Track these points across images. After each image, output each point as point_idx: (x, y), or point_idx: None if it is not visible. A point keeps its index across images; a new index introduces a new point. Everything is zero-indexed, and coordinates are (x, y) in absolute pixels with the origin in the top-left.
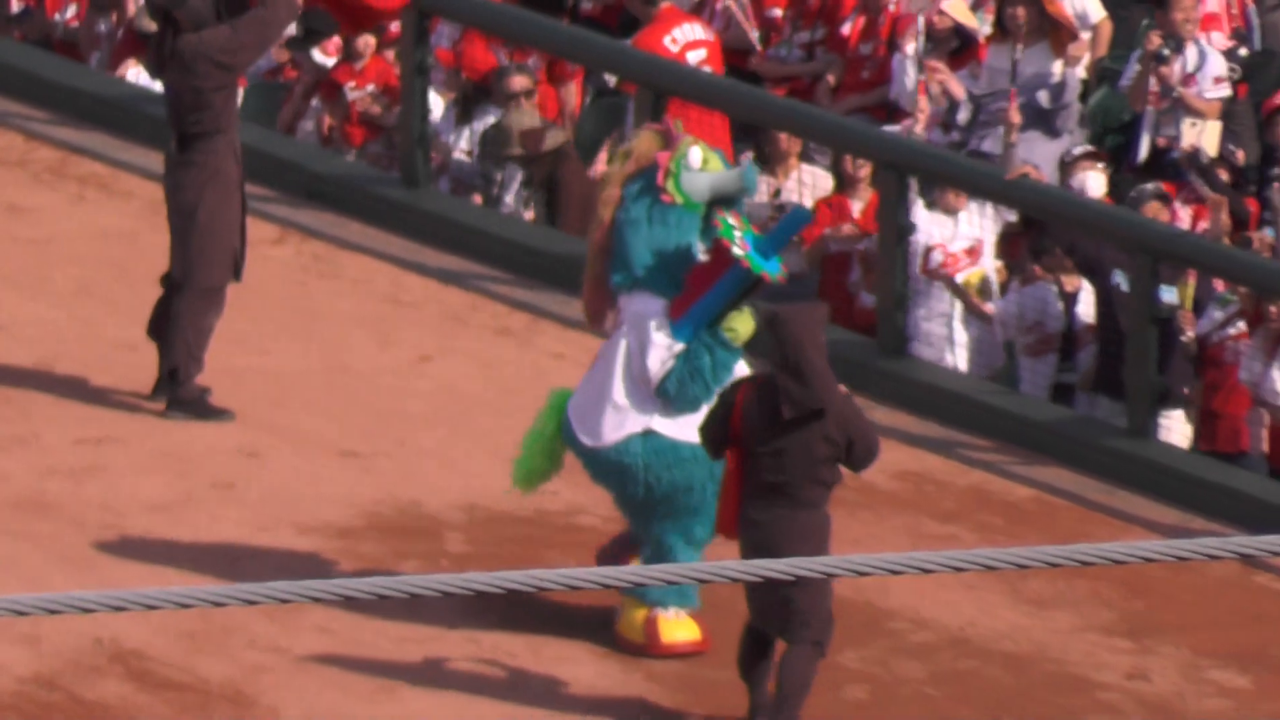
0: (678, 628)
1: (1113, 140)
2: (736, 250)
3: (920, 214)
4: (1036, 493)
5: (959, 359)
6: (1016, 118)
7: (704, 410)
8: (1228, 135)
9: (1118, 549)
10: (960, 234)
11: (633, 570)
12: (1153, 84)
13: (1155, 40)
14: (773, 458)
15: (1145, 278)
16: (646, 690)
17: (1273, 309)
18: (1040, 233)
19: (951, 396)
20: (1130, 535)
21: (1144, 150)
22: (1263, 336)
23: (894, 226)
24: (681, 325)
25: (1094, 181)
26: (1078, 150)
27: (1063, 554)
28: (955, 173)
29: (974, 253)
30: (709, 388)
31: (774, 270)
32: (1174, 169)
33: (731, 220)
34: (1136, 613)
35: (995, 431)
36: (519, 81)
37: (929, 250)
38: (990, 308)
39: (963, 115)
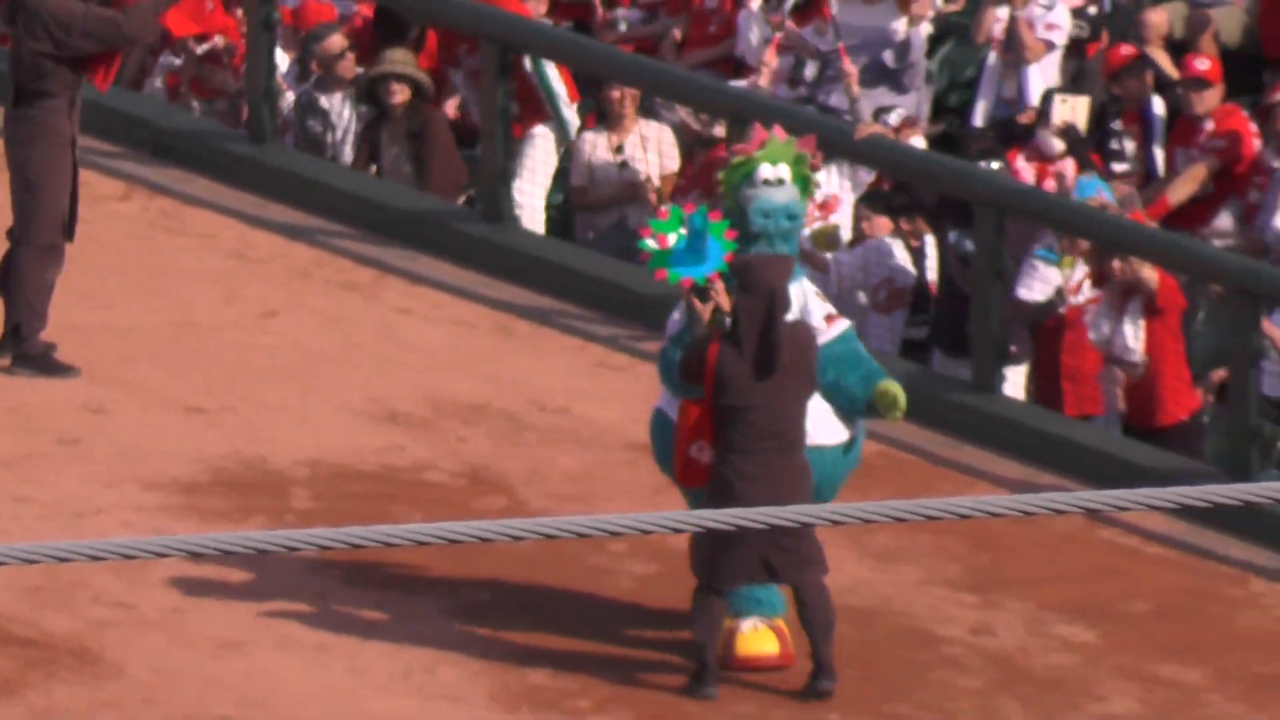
0: (755, 640)
1: (959, 96)
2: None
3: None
4: (882, 448)
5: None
6: (851, 69)
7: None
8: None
9: (963, 503)
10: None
11: (480, 525)
12: (998, 31)
13: None
14: (765, 409)
15: (991, 234)
16: (494, 644)
17: (1116, 264)
18: (896, 189)
19: None
20: (976, 490)
21: (981, 110)
22: (1110, 293)
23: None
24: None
25: (917, 144)
26: (894, 118)
27: (908, 509)
28: (803, 127)
29: (826, 207)
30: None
31: (696, 275)
32: (1019, 129)
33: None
34: (982, 567)
35: None
36: (335, 42)
37: None
38: (829, 259)
39: (810, 71)
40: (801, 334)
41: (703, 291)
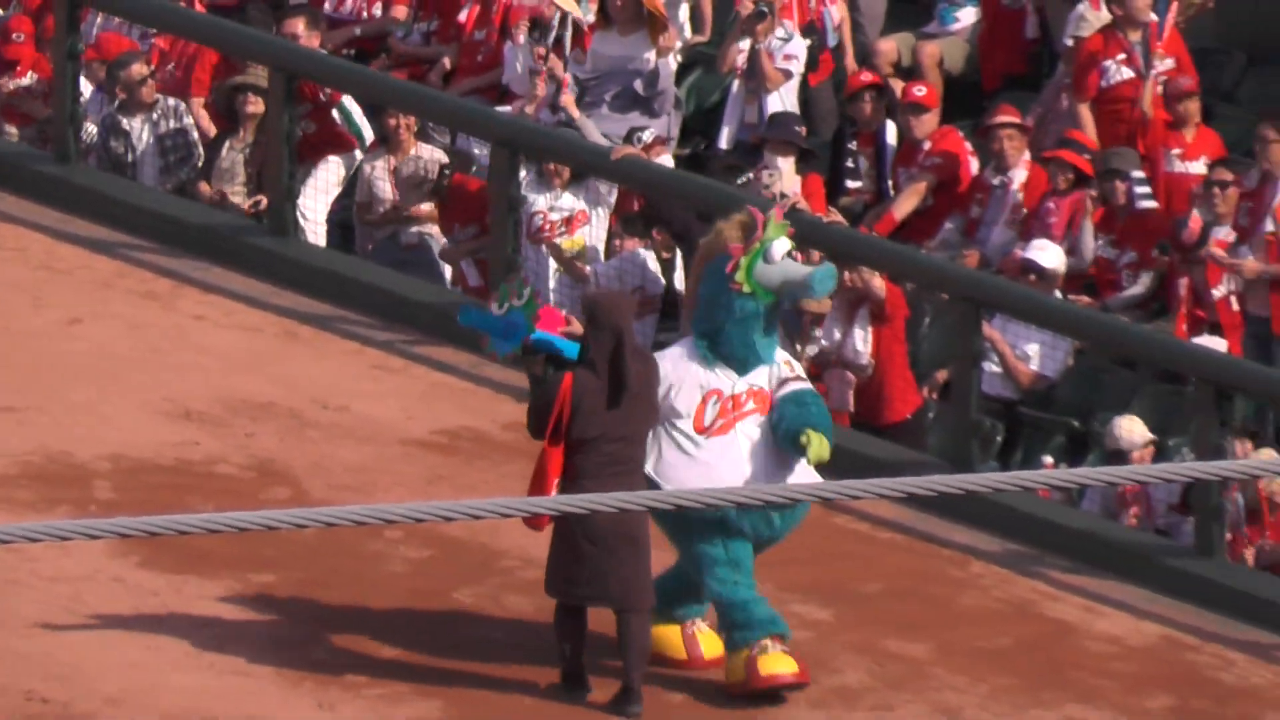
0: (775, 661)
1: (705, 121)
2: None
3: (528, 187)
4: None
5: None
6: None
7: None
8: (810, 115)
9: (709, 494)
10: (562, 205)
11: (267, 514)
12: (741, 60)
13: (749, 4)
14: (614, 437)
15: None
16: (280, 624)
17: (846, 275)
18: (647, 205)
19: None
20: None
21: (726, 134)
22: (841, 302)
23: (505, 199)
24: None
25: (666, 162)
26: (647, 135)
27: (656, 498)
28: (562, 149)
29: (573, 222)
30: None
31: (501, 351)
32: (753, 149)
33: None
34: None
35: None
36: (137, 70)
37: (531, 217)
38: (588, 270)
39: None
40: (648, 367)
41: (526, 359)
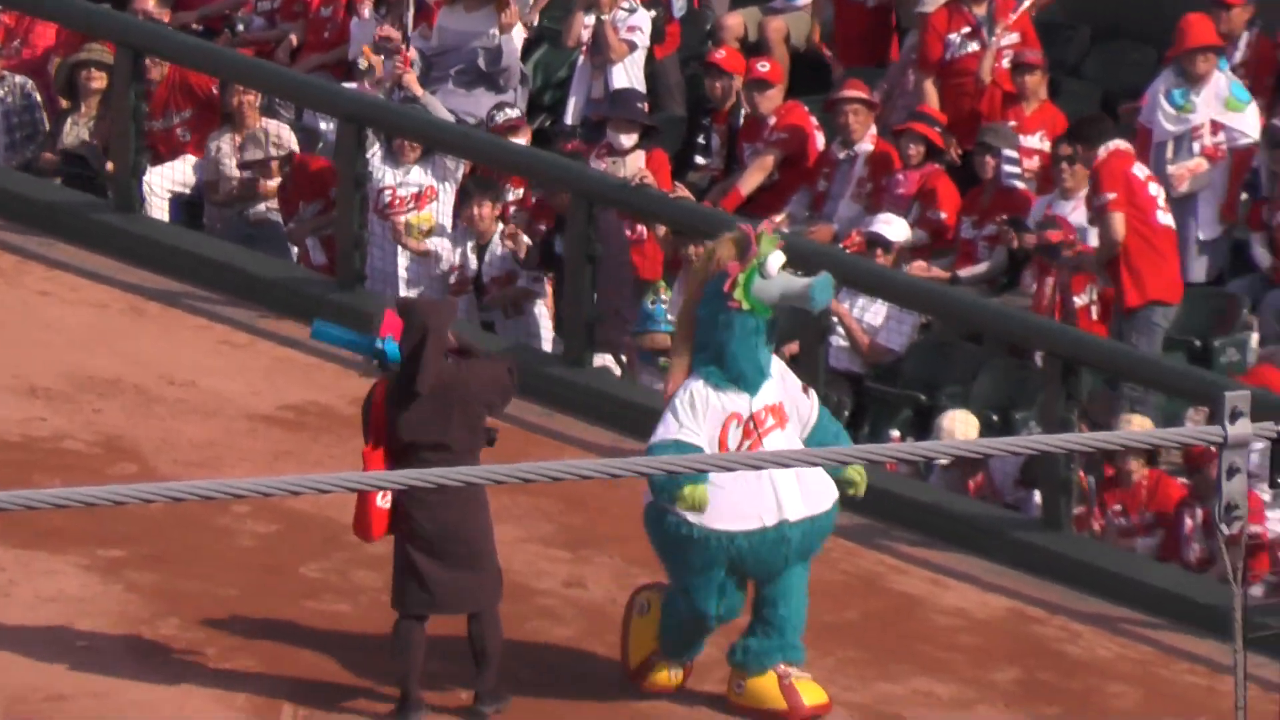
0: (812, 692)
1: (551, 95)
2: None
3: (376, 162)
4: None
5: (413, 285)
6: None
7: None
8: (656, 88)
9: (556, 467)
10: (411, 181)
11: (114, 490)
12: (585, 34)
13: None
14: (436, 445)
15: (582, 219)
16: (128, 599)
17: (692, 248)
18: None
19: None
20: (567, 455)
21: (573, 108)
22: (684, 276)
23: (352, 174)
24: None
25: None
26: (500, 118)
27: (506, 472)
28: (408, 125)
29: (421, 198)
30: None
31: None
32: (599, 125)
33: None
34: (574, 526)
35: None
36: None
37: (379, 193)
38: (428, 246)
39: (416, 72)
40: (469, 373)
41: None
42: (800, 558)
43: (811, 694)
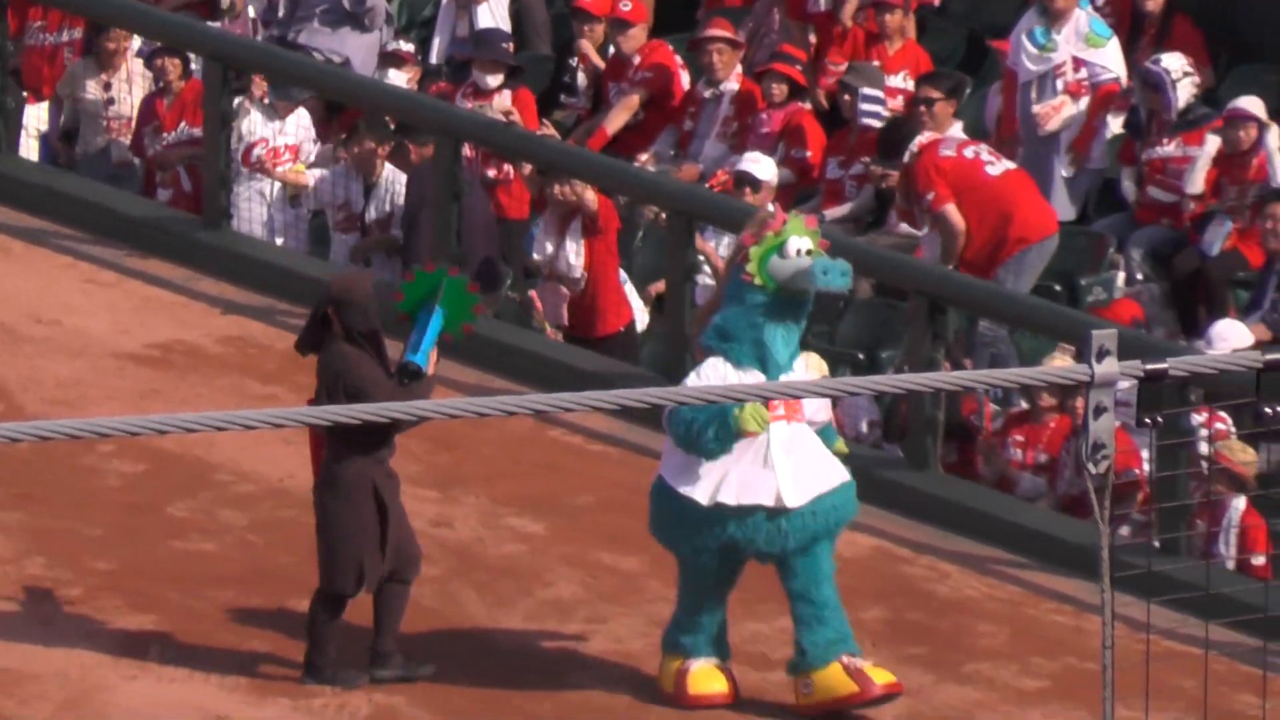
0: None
1: (417, 34)
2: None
3: (252, 115)
4: None
5: (277, 235)
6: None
7: (696, 442)
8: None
9: (424, 406)
10: (286, 131)
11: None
12: None
13: None
14: None
15: (448, 156)
16: (44, 573)
17: (557, 187)
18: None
19: (269, 267)
20: (434, 394)
21: (438, 47)
22: (552, 215)
23: (218, 114)
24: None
25: (395, 78)
26: (391, 46)
27: (366, 411)
28: (271, 63)
29: (296, 150)
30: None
31: (419, 361)
32: (464, 65)
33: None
34: (442, 465)
35: (303, 297)
36: None
37: (252, 147)
38: (307, 179)
39: (281, 10)
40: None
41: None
42: (811, 540)
43: (881, 675)
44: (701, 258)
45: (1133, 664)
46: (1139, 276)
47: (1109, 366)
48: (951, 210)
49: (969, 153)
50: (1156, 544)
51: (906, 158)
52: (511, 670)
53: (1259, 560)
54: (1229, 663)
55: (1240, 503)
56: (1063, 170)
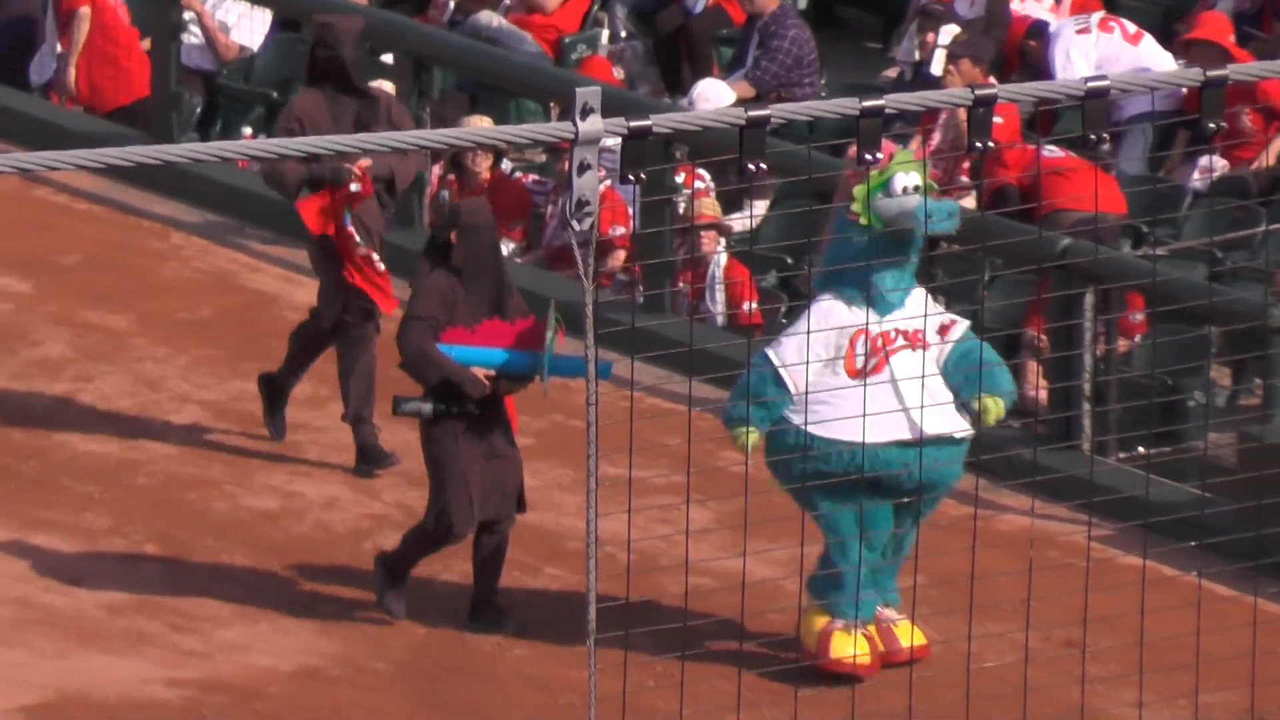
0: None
1: None
2: (548, 344)
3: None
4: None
5: None
6: None
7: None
8: None
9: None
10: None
11: None
12: None
13: None
14: None
15: None
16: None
17: None
18: None
19: None
20: None
21: None
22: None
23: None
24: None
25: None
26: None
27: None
28: None
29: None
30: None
31: (545, 378)
32: None
33: (556, 319)
34: None
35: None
36: None
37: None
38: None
39: None
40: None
41: None
42: (926, 488)
43: (910, 637)
44: (188, 16)
45: (617, 421)
46: (623, 34)
47: (593, 124)
48: None
49: None
50: (640, 300)
51: None
52: None
53: (749, 309)
54: (714, 419)
55: (722, 258)
56: None
